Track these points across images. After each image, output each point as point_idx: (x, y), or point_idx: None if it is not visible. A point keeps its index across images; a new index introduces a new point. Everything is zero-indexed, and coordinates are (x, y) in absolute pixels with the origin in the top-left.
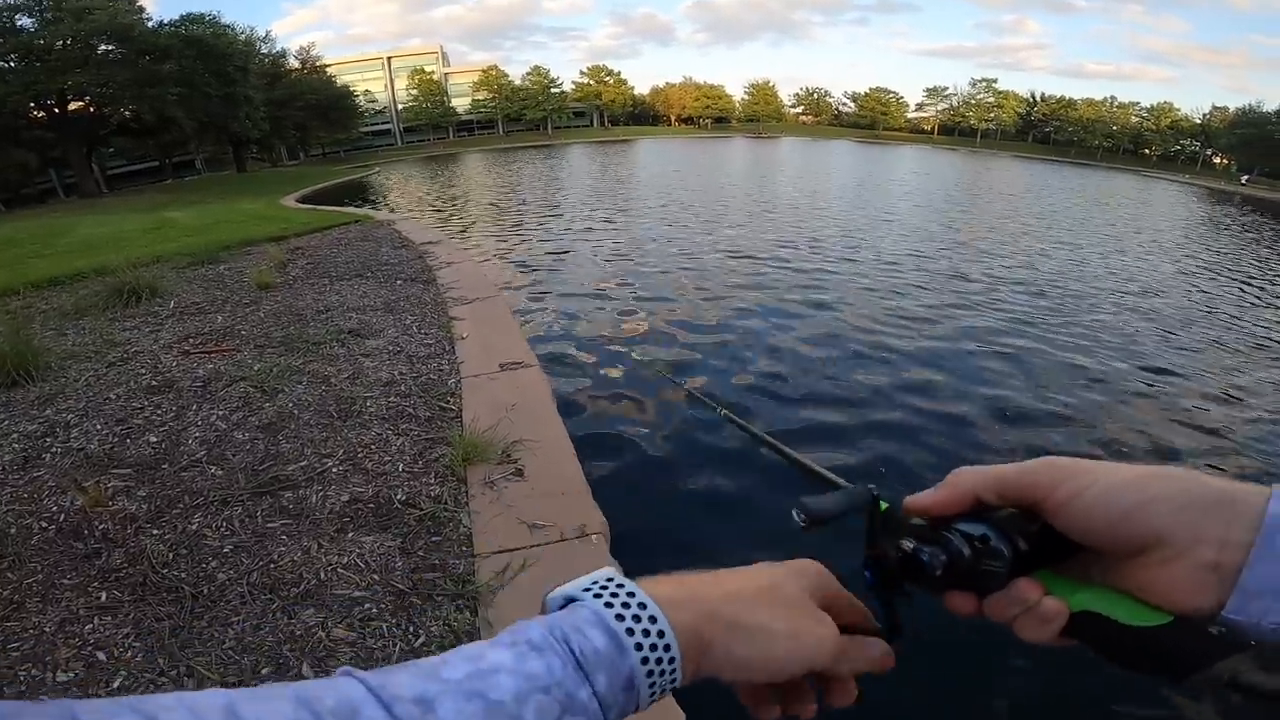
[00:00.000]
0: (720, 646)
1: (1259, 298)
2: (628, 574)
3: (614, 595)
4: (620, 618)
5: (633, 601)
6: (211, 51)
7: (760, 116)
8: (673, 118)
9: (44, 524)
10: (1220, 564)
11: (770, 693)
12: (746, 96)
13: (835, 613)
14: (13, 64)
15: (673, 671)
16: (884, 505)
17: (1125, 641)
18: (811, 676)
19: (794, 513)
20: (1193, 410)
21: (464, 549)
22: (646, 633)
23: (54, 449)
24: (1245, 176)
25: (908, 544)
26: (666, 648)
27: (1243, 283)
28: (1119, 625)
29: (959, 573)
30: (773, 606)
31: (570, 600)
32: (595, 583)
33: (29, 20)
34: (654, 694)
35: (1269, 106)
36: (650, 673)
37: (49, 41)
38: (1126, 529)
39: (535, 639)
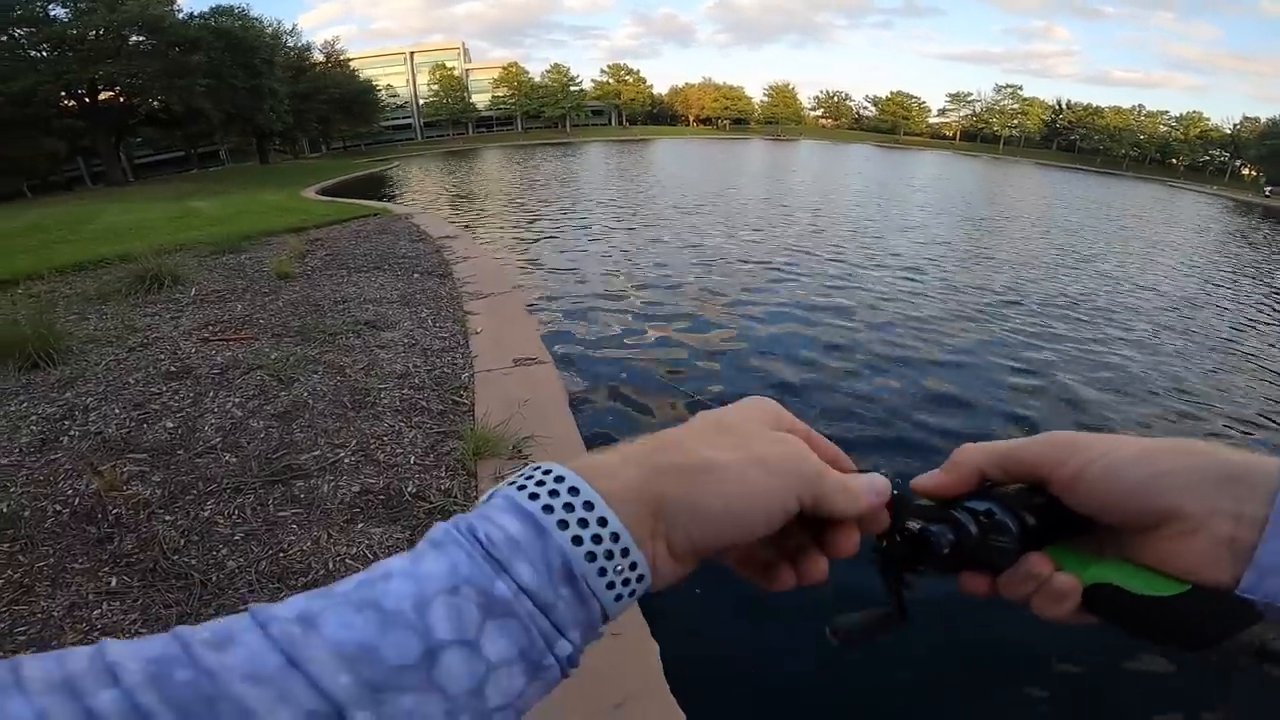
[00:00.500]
0: (680, 501)
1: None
2: None
3: (529, 478)
4: (534, 496)
5: (549, 478)
6: (239, 44)
7: (779, 119)
8: (691, 118)
9: (58, 507)
10: (1236, 539)
11: (769, 553)
12: (766, 98)
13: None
14: (45, 53)
15: (625, 554)
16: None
17: (1142, 613)
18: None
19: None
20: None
21: None
22: (569, 507)
23: (72, 432)
24: (1269, 189)
25: (914, 524)
26: (602, 521)
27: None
28: (1135, 596)
29: (967, 550)
30: (728, 440)
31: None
32: (521, 474)
33: (62, 11)
34: (616, 589)
35: None
36: (592, 556)
37: (81, 31)
38: (1135, 504)
39: (435, 536)
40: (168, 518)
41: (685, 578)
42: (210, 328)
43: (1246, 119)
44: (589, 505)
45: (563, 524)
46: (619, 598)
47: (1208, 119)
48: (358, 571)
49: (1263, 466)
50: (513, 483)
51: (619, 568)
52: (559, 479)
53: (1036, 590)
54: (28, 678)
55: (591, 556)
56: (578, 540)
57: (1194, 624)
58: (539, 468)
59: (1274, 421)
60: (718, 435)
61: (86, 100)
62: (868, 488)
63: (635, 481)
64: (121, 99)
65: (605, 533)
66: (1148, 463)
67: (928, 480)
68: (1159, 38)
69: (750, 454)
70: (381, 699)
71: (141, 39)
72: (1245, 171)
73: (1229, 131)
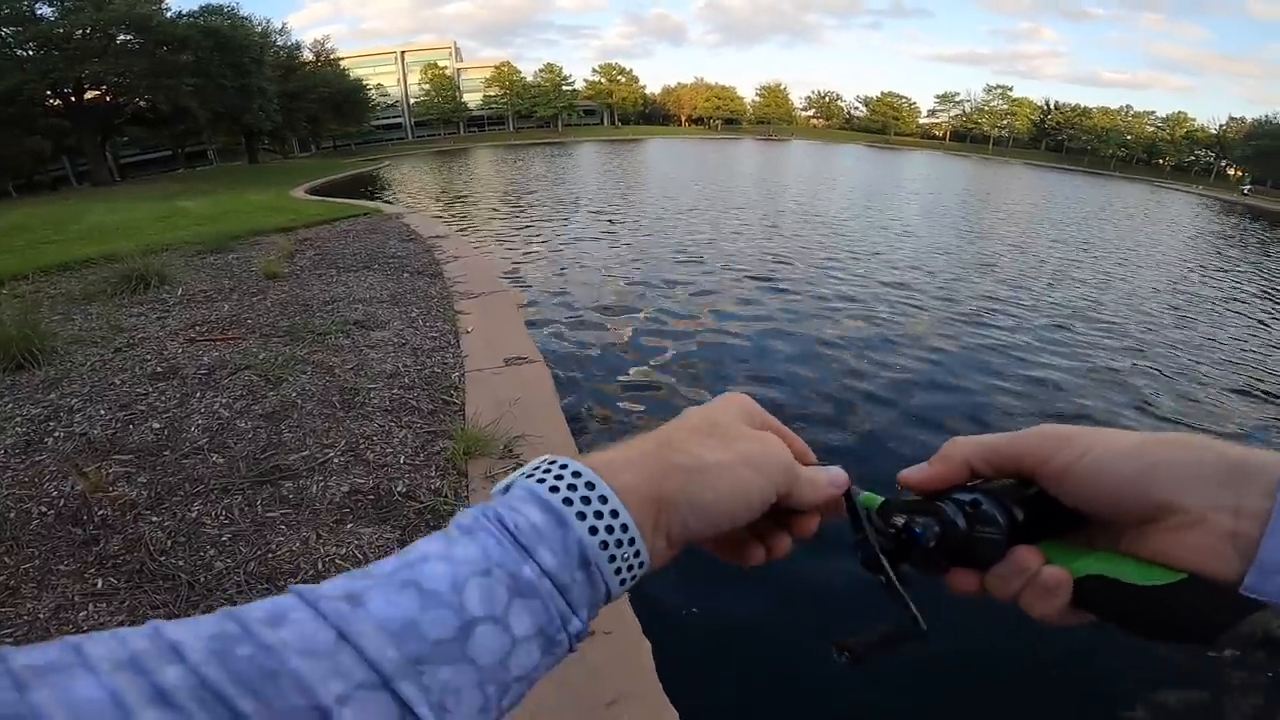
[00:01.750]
0: (681, 498)
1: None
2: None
3: (546, 471)
4: (554, 489)
5: (566, 473)
6: (228, 43)
7: (771, 119)
8: (683, 118)
9: (44, 509)
10: (1238, 534)
11: (743, 535)
12: (757, 98)
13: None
14: (31, 52)
15: (632, 542)
16: (872, 499)
17: (1139, 605)
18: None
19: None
20: None
21: None
22: (587, 500)
23: (57, 433)
24: (1246, 188)
25: (899, 519)
26: (614, 513)
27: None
28: (1130, 588)
29: (954, 544)
30: (718, 441)
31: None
32: (536, 468)
33: (49, 9)
34: (622, 573)
35: None
36: (605, 544)
37: (68, 30)
38: (1128, 497)
39: (465, 522)
40: (154, 519)
41: (676, 559)
42: (197, 328)
43: (1232, 119)
44: (603, 499)
45: (580, 515)
46: (623, 581)
47: (1194, 120)
48: (346, 570)
49: (1262, 459)
50: (529, 475)
51: (625, 555)
52: (576, 474)
53: (1026, 586)
54: (93, 656)
55: (604, 545)
56: (594, 530)
57: (1196, 614)
58: (554, 461)
59: None
60: (709, 436)
61: (72, 99)
62: (828, 480)
63: (643, 479)
64: (108, 98)
65: (616, 524)
66: (1140, 456)
67: (914, 473)
68: (1147, 39)
69: (738, 453)
70: (422, 670)
71: (129, 38)
72: (1231, 172)
73: (1215, 132)
